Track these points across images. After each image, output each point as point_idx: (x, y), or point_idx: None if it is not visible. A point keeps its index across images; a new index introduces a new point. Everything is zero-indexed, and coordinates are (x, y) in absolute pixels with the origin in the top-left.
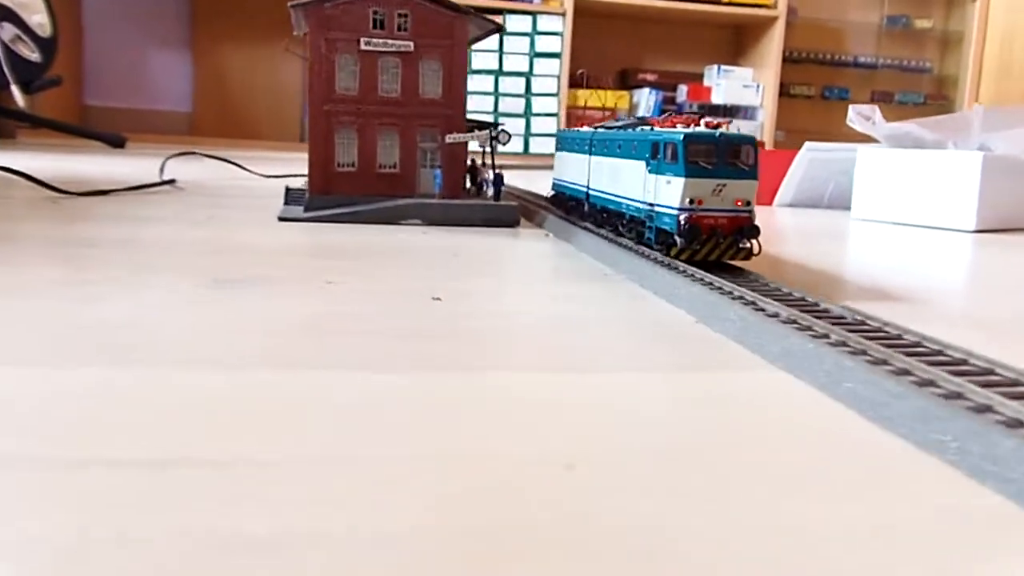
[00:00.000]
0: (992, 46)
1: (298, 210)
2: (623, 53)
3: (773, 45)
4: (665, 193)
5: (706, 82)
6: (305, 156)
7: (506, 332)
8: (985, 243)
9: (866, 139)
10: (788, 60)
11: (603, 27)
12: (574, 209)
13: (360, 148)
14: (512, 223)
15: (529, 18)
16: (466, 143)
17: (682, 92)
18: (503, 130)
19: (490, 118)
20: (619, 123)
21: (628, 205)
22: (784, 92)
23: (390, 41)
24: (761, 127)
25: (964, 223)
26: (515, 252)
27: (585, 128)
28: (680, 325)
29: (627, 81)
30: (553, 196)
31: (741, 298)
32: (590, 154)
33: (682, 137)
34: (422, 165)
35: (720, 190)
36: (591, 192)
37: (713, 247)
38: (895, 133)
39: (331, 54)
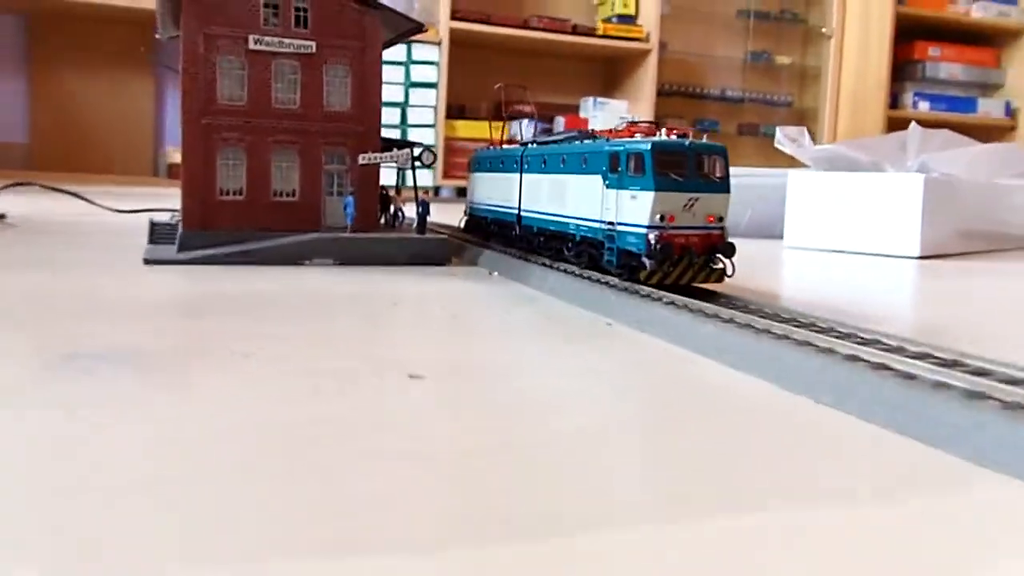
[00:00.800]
0: (847, 81)
1: (170, 250)
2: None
3: (647, 78)
4: (630, 210)
5: (582, 114)
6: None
7: (568, 443)
8: (943, 270)
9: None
10: (660, 93)
11: (479, 58)
12: (498, 235)
13: (250, 172)
14: (443, 260)
15: (403, 47)
16: (380, 165)
17: (559, 124)
18: (428, 148)
19: None
20: (556, 136)
21: (579, 226)
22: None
23: (286, 40)
24: None
25: (908, 249)
26: (468, 299)
27: (510, 145)
28: (795, 407)
29: (503, 112)
30: (468, 223)
31: (857, 357)
32: (521, 172)
33: (649, 147)
34: (328, 192)
35: (692, 205)
36: (524, 214)
37: (686, 268)
38: (825, 155)
39: (211, 54)
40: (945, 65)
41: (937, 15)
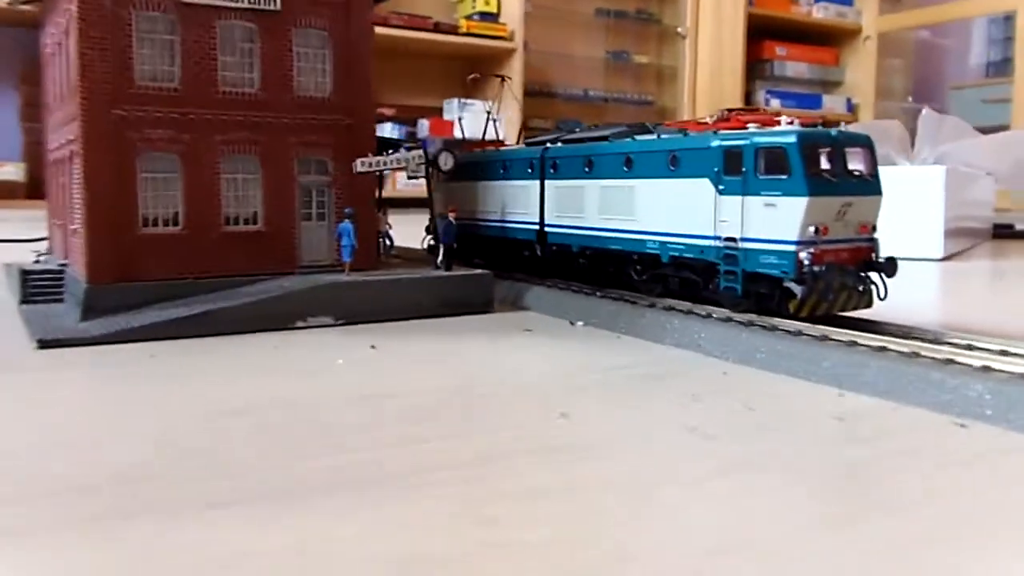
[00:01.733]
0: (703, 80)
1: (67, 315)
2: None
3: (513, 78)
4: (763, 221)
5: (447, 115)
6: None
7: None
8: (980, 272)
9: None
10: (524, 93)
11: None
12: (492, 255)
13: (189, 189)
14: (486, 305)
15: None
16: (381, 174)
17: (423, 127)
18: (445, 150)
19: None
20: (593, 132)
21: (666, 244)
22: (523, 125)
23: None
24: None
25: (929, 251)
26: (636, 384)
27: (513, 145)
28: None
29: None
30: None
31: None
32: (543, 178)
33: (795, 139)
34: (303, 216)
35: (845, 212)
36: (552, 230)
37: (839, 292)
38: None
39: (123, 9)
40: (792, 64)
41: (782, 15)
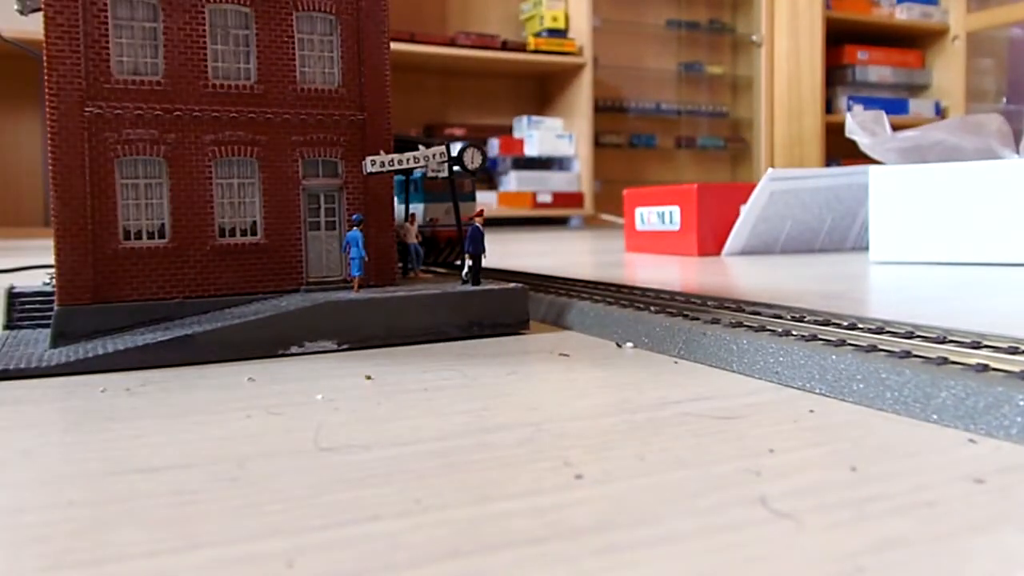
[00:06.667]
0: (780, 89)
1: (39, 343)
2: (427, 107)
3: (582, 94)
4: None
5: (516, 134)
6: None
7: None
8: None
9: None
10: (595, 109)
11: (404, 80)
12: None
13: (176, 198)
14: (521, 324)
15: None
16: (393, 176)
17: (494, 146)
18: (470, 145)
19: None
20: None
21: None
22: (594, 141)
23: None
24: (578, 178)
25: None
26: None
27: None
28: None
29: (433, 136)
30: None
31: None
32: None
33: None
34: (311, 225)
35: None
36: None
37: (447, 251)
38: (916, 144)
39: None
40: (874, 68)
41: (863, 19)
